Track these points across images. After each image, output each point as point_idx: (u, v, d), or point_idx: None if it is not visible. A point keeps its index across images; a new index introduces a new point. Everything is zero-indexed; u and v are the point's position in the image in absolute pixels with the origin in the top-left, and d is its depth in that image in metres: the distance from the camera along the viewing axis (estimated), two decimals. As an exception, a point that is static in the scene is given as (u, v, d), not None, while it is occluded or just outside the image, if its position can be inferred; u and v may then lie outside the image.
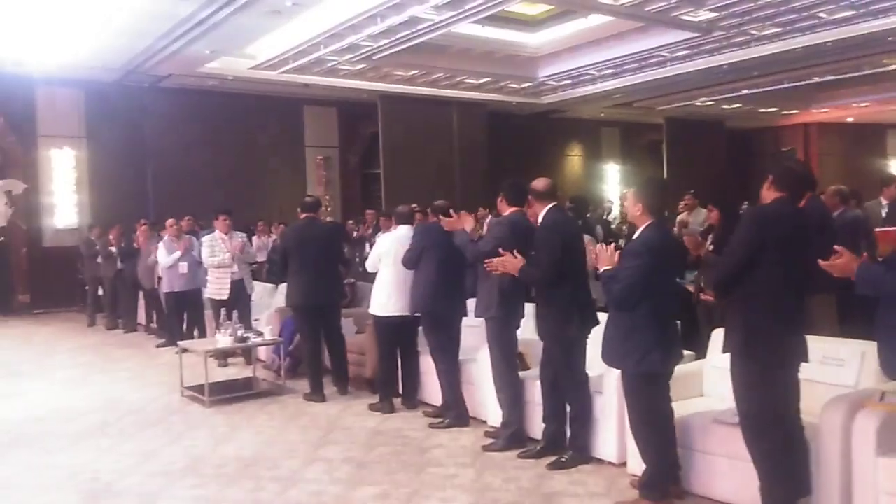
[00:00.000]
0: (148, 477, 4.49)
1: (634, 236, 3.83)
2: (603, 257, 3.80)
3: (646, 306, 3.64)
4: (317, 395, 6.21)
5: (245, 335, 6.55)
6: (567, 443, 4.49)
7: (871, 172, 22.76)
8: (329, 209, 16.01)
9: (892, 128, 22.55)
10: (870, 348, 3.76)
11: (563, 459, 4.40)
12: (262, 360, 7.55)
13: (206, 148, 13.91)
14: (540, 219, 4.48)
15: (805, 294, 3.47)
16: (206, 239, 7.78)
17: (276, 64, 11.90)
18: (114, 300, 10.74)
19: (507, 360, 4.90)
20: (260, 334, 6.78)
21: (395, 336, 5.83)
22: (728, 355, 3.43)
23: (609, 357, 3.84)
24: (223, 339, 6.40)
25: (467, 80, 14.21)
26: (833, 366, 3.78)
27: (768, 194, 3.42)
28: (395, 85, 13.90)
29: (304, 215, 6.46)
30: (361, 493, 4.14)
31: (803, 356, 3.38)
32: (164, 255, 8.39)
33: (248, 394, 6.43)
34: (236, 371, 7.49)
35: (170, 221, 8.68)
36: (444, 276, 5.35)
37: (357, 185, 16.55)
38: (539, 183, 4.57)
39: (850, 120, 20.88)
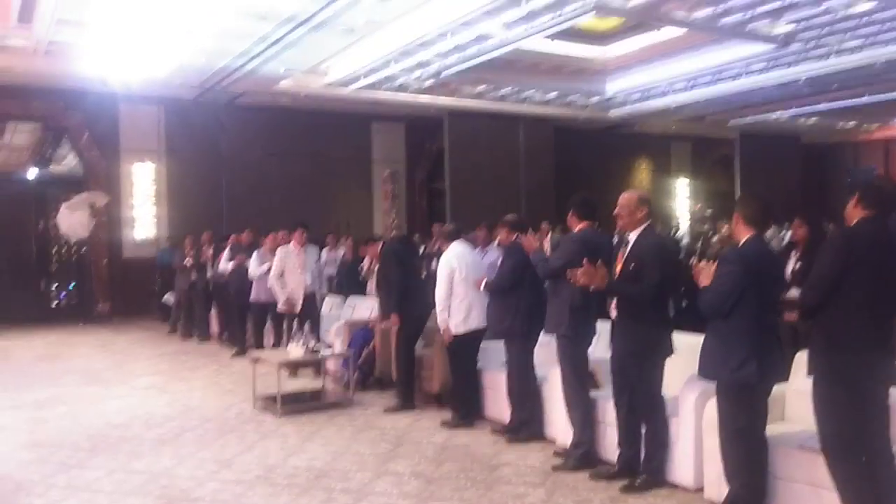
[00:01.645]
0: (223, 484, 4.59)
1: None
2: (705, 273, 3.75)
3: (743, 316, 3.59)
4: (408, 403, 6.35)
5: (316, 347, 6.66)
6: (641, 466, 4.38)
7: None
8: (395, 223, 16.19)
9: (982, 143, 21.45)
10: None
11: (637, 483, 4.30)
12: (328, 371, 7.65)
13: (277, 163, 14.30)
14: (638, 233, 4.37)
15: (894, 315, 3.33)
16: (279, 251, 7.95)
17: (346, 81, 12.12)
18: (189, 310, 11.08)
19: (579, 379, 4.84)
20: (329, 347, 6.87)
21: (472, 351, 5.88)
22: (811, 378, 3.33)
23: (704, 368, 3.75)
24: (295, 351, 6.52)
25: (534, 96, 14.18)
26: (928, 392, 3.58)
27: (855, 213, 3.35)
28: (462, 100, 13.97)
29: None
30: (431, 508, 4.14)
31: (893, 379, 3.24)
32: (256, 266, 8.66)
33: (318, 405, 6.54)
34: (305, 382, 7.60)
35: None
36: (534, 295, 5.29)
37: (423, 200, 16.70)
38: (646, 195, 4.54)
39: (935, 135, 19.95)
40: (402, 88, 12.73)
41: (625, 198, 4.43)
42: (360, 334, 7.31)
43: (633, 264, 4.29)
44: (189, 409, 6.55)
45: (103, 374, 8.32)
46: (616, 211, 4.44)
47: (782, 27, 9.71)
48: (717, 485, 3.94)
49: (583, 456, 4.70)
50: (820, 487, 3.45)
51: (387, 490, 4.44)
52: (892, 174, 20.15)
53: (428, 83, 12.48)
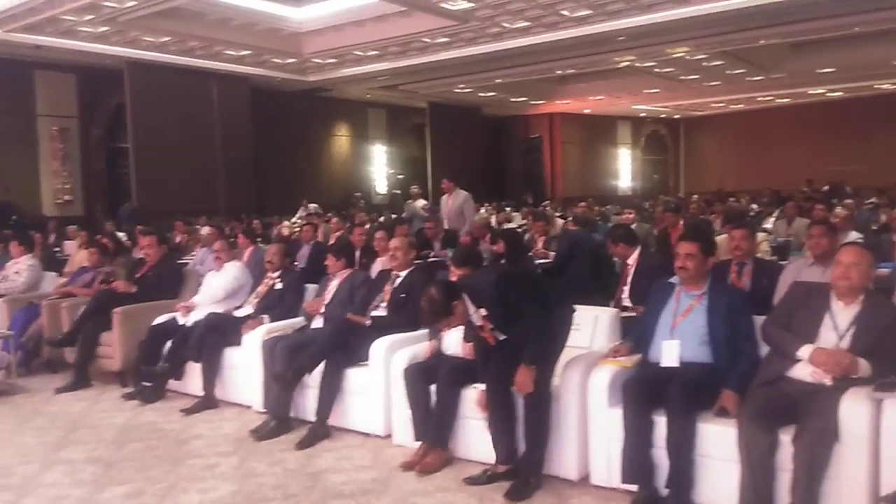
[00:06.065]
0: None
1: None
2: None
3: None
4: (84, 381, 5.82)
5: (-38, 329, 5.70)
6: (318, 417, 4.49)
7: (604, 158, 25.84)
8: (67, 186, 14.48)
9: (621, 119, 25.55)
10: (602, 313, 4.22)
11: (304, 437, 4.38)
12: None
13: None
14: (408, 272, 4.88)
15: None
16: None
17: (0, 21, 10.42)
18: None
19: None
20: (-17, 328, 5.93)
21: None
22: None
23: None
24: (-67, 335, 5.52)
25: (227, 52, 13.54)
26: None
27: None
28: (143, 51, 12.84)
29: None
30: (110, 493, 3.79)
31: None
32: None
33: (-31, 396, 5.61)
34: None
35: None
36: None
37: (102, 161, 15.10)
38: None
39: (587, 111, 23.24)
40: (70, 33, 11.30)
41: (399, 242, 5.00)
42: (23, 312, 6.42)
43: (402, 295, 4.73)
44: None
45: None
46: (395, 253, 4.91)
47: (462, 4, 10.47)
48: (403, 431, 4.18)
49: (279, 423, 4.64)
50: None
51: (57, 481, 3.97)
52: (556, 143, 23.21)
53: (102, 29, 11.26)
